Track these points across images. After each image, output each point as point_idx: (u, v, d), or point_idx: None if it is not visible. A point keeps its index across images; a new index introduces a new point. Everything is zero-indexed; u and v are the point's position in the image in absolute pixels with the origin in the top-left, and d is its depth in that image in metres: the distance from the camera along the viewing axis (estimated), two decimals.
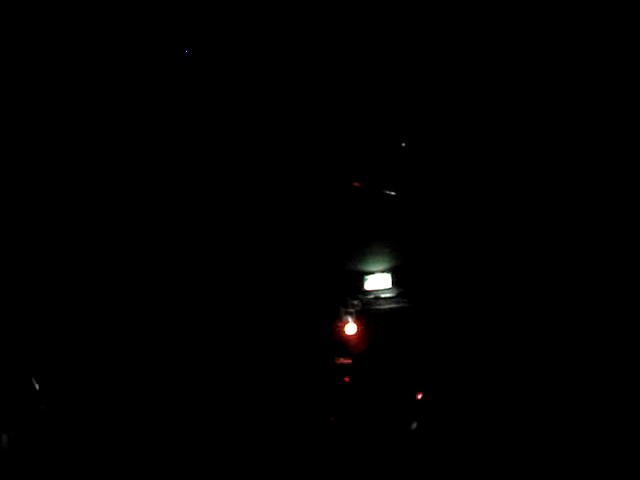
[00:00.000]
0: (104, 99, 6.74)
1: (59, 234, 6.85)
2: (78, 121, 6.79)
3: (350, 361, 6.93)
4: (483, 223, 6.91)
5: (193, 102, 6.76)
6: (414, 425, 6.61)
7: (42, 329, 6.75)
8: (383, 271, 7.07)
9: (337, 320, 7.07)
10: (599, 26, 6.04)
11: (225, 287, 7.12)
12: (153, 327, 6.94)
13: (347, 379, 6.94)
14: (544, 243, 6.85)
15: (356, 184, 6.97)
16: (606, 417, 6.21)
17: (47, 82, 6.63)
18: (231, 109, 6.91)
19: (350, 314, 7.05)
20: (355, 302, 7.07)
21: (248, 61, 6.72)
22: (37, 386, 6.44)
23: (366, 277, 7.08)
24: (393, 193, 6.94)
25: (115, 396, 6.67)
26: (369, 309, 7.10)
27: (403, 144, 6.88)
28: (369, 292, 7.10)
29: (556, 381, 6.60)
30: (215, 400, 6.85)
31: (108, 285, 6.94)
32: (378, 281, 7.07)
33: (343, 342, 7.06)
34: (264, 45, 6.56)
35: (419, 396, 6.82)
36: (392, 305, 7.08)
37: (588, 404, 6.35)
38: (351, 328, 7.05)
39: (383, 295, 7.08)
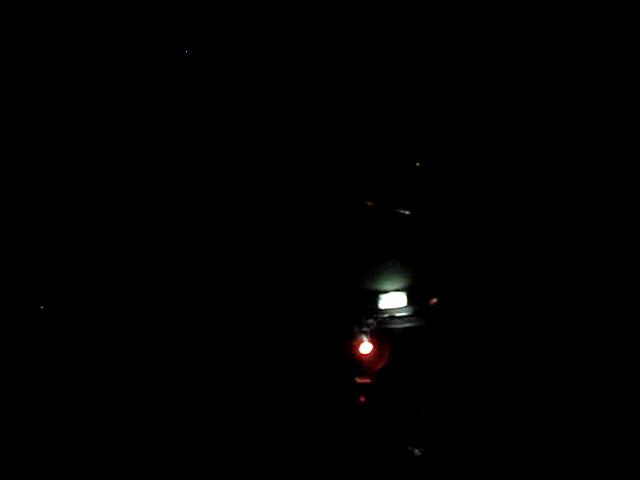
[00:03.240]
0: (103, 99, 6.83)
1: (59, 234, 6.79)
2: (77, 121, 6.86)
3: (368, 381, 6.72)
4: (499, 241, 6.93)
5: (193, 104, 6.85)
6: (418, 451, 6.39)
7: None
8: (398, 290, 6.98)
9: (352, 339, 6.92)
10: (599, 26, 6.29)
11: (238, 307, 7.02)
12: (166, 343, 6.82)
13: (362, 399, 6.70)
14: (562, 261, 6.84)
15: (369, 203, 7.03)
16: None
17: (46, 82, 6.73)
18: (237, 117, 7.01)
19: (365, 333, 6.90)
20: (370, 321, 6.94)
21: (255, 69, 6.90)
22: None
23: (380, 296, 6.98)
24: (407, 212, 6.99)
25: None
26: (384, 328, 6.96)
27: (417, 164, 7.00)
28: (384, 311, 6.98)
29: (574, 397, 6.45)
30: (228, 421, 6.62)
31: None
32: (393, 300, 6.96)
33: (358, 361, 6.87)
34: (274, 54, 6.76)
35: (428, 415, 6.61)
36: (407, 324, 6.94)
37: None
38: (366, 347, 6.87)
39: (398, 314, 6.96)
